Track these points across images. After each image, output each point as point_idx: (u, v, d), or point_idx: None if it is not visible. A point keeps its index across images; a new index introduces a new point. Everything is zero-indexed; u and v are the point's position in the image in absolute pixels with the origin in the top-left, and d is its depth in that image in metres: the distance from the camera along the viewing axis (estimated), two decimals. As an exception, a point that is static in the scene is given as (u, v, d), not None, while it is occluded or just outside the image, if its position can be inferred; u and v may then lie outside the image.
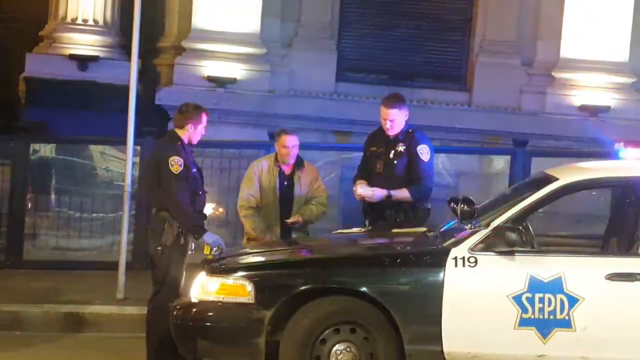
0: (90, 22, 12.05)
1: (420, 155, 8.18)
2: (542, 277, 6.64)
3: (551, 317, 6.61)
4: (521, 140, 10.87)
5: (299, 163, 8.43)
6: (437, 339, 6.64)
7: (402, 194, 8.12)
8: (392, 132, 8.27)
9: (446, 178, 10.75)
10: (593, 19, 11.73)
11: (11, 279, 9.72)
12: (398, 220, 8.12)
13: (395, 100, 8.35)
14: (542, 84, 12.02)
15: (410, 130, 8.31)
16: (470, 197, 7.14)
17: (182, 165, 7.50)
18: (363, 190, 8.15)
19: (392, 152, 8.25)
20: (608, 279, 6.64)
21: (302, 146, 8.57)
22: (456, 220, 7.28)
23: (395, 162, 8.24)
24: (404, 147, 8.22)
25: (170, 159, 7.52)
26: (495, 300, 6.64)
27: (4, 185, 10.53)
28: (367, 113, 11.04)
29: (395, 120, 8.23)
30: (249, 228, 8.37)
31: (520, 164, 10.45)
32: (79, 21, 12.04)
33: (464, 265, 6.69)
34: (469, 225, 6.92)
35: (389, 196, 8.11)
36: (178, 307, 7.10)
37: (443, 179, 10.29)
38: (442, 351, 6.66)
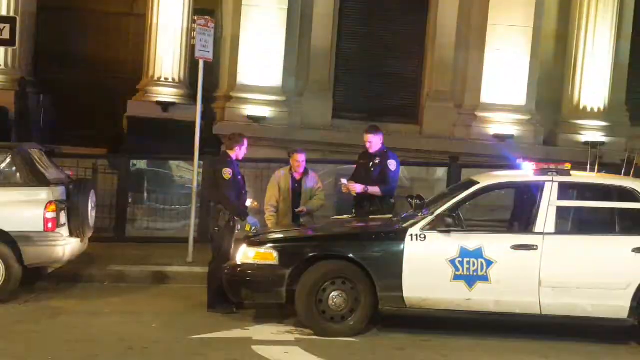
0: (170, 80, 11.99)
1: (389, 166, 8.21)
2: (469, 247, 6.69)
3: (475, 274, 6.65)
4: (454, 157, 10.88)
5: (305, 172, 8.41)
6: (399, 288, 6.69)
7: (374, 189, 8.14)
8: (371, 150, 8.31)
9: (405, 182, 10.70)
10: (502, 75, 11.70)
11: (118, 249, 9.68)
12: (372, 209, 8.11)
13: (371, 129, 8.41)
14: (468, 120, 11.97)
15: (385, 150, 8.33)
16: (421, 195, 7.19)
17: (231, 174, 7.54)
18: (347, 182, 8.23)
19: (371, 163, 8.29)
20: (512, 248, 6.70)
21: (309, 161, 8.54)
22: (412, 210, 7.31)
23: (372, 169, 8.27)
24: (379, 160, 8.25)
25: (223, 169, 7.56)
26: (438, 263, 6.69)
27: (114, 187, 10.47)
28: (353, 139, 11.06)
29: (372, 142, 8.27)
30: (268, 221, 8.39)
31: (454, 173, 10.44)
32: (162, 79, 11.97)
33: (417, 240, 6.74)
34: (420, 213, 6.98)
35: (365, 190, 8.13)
36: (228, 267, 7.16)
37: (403, 183, 10.23)
38: (402, 296, 6.71)
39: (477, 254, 6.66)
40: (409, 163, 10.83)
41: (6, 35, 8.98)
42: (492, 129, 11.77)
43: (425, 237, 6.73)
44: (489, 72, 11.77)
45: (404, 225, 6.89)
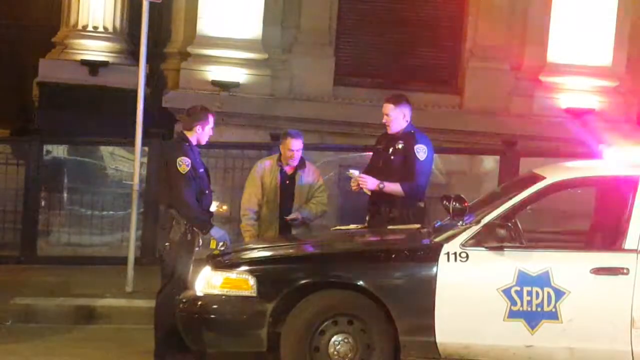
0: (101, 29, 12.03)
1: (417, 154, 8.10)
2: (530, 271, 6.64)
3: (539, 309, 6.61)
4: (510, 141, 10.90)
5: (300, 163, 8.43)
6: (430, 330, 6.64)
7: (394, 187, 8.06)
8: (390, 130, 8.25)
9: (439, 177, 10.71)
10: (578, 25, 11.70)
11: (26, 273, 9.74)
12: (392, 215, 8.07)
13: (393, 97, 8.35)
14: (529, 88, 11.98)
15: (412, 131, 8.28)
16: (462, 195, 7.15)
17: (189, 166, 7.51)
18: (358, 175, 8.11)
19: (391, 149, 8.22)
20: (593, 273, 6.64)
21: (305, 146, 8.55)
22: (448, 217, 7.29)
23: (392, 158, 8.20)
24: (402, 145, 8.18)
25: (178, 159, 7.53)
26: (486, 293, 6.64)
27: (19, 184, 10.53)
28: (363, 115, 11.08)
29: (391, 115, 8.20)
30: (245, 232, 8.42)
31: (509, 163, 10.45)
32: (90, 28, 12.01)
33: (455, 260, 6.69)
34: (460, 222, 6.91)
35: (381, 187, 8.06)
36: (184, 300, 7.11)
37: (436, 178, 10.23)
38: (434, 342, 6.66)
39: (543, 281, 6.63)
40: (445, 150, 10.84)
41: None
42: (563, 100, 11.79)
43: (467, 257, 6.70)
44: (559, 18, 11.79)
45: (438, 239, 6.87)
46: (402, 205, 8.12)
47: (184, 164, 7.51)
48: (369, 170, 8.30)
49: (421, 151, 8.14)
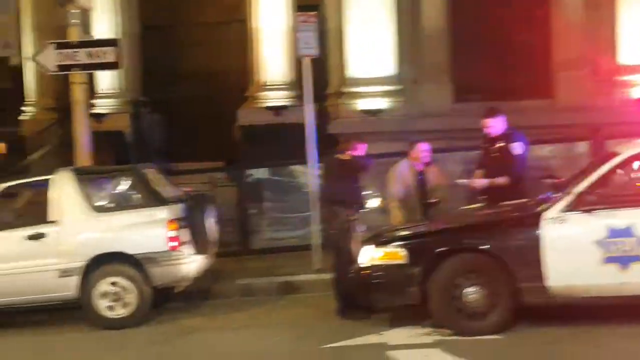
0: (278, 83, 12.29)
1: (514, 149, 7.99)
2: (617, 226, 6.43)
3: (628, 254, 6.39)
4: (595, 128, 10.46)
5: (429, 163, 8.39)
6: (541, 277, 6.51)
7: (500, 180, 7.94)
8: (492, 134, 8.16)
9: (541, 163, 10.38)
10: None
11: (243, 261, 9.97)
12: (502, 196, 7.85)
13: (488, 113, 8.25)
14: (607, 86, 11.51)
15: (509, 132, 8.13)
16: (556, 174, 7.00)
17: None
18: (468, 182, 8.23)
19: (494, 147, 8.12)
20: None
21: (433, 150, 8.50)
22: (548, 192, 7.13)
23: (496, 155, 8.08)
24: (503, 144, 8.06)
25: (340, 155, 7.65)
26: (583, 245, 6.48)
27: (234, 200, 10.79)
28: (477, 123, 10.89)
29: (492, 126, 8.13)
30: (395, 218, 8.38)
31: (597, 146, 10.04)
32: (270, 83, 12.29)
33: (556, 223, 6.55)
34: (557, 194, 6.78)
35: (492, 183, 7.98)
36: (354, 270, 7.18)
37: (539, 163, 9.93)
38: (546, 286, 6.53)
39: (629, 232, 6.40)
40: (544, 141, 10.53)
41: (111, 58, 9.52)
42: (635, 93, 11.26)
43: (565, 220, 6.53)
44: (626, 31, 11.28)
45: (540, 208, 6.72)
46: (508, 188, 7.96)
47: (345, 154, 7.61)
48: (480, 166, 8.23)
49: (517, 148, 8.01)
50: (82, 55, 9.46)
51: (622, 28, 11.33)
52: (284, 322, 7.68)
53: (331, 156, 7.97)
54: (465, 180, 8.18)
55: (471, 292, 6.64)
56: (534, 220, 6.61)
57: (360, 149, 7.83)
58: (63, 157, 10.91)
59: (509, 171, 7.95)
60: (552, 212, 6.59)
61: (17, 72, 17.71)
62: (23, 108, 15.33)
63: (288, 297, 8.68)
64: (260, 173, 11.32)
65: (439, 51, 12.14)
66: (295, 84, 12.35)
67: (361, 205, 7.79)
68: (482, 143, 8.40)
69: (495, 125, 8.13)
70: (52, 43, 9.64)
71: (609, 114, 11.19)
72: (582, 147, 10.72)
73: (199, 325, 7.80)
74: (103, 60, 9.55)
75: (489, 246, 6.65)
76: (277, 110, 12.12)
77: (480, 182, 8.04)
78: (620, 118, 11.01)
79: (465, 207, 8.40)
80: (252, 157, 11.43)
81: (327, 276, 8.41)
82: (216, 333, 7.52)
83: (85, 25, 9.80)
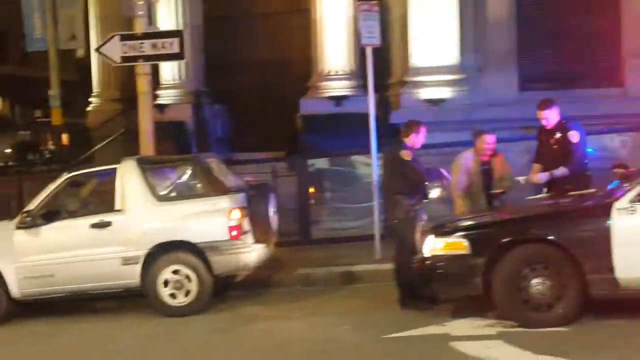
0: (340, 72, 12.38)
1: (571, 138, 7.87)
2: (690, 216, 6.23)
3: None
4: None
5: (495, 153, 8.28)
6: (610, 269, 6.39)
7: (561, 171, 7.86)
8: (548, 126, 8.07)
9: (611, 152, 10.16)
10: None
11: (303, 251, 10.05)
12: (567, 187, 7.74)
13: (542, 104, 8.13)
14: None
15: (563, 121, 8.03)
16: (625, 163, 6.82)
17: (411, 156, 7.54)
18: (528, 178, 8.09)
19: (552, 139, 8.03)
20: None
21: (498, 140, 8.36)
22: (617, 182, 6.97)
23: (554, 146, 8.01)
24: (560, 134, 7.97)
25: (401, 152, 7.62)
26: (655, 236, 6.30)
27: (294, 190, 10.82)
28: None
29: (547, 118, 8.04)
30: (459, 208, 8.30)
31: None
32: (332, 73, 12.38)
33: (627, 214, 6.40)
34: (627, 184, 6.64)
35: (551, 176, 7.89)
36: (416, 261, 7.18)
37: (609, 153, 9.72)
38: (615, 277, 6.40)
39: (701, 222, 6.21)
40: (614, 130, 10.31)
41: (175, 49, 9.64)
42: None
43: (635, 210, 6.37)
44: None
45: (609, 199, 6.58)
46: (572, 178, 7.84)
47: (405, 154, 7.59)
48: (538, 159, 8.16)
49: (574, 136, 7.90)
50: (146, 47, 9.59)
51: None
52: (345, 311, 7.69)
53: (394, 147, 7.90)
54: (523, 178, 8.04)
55: (537, 284, 6.55)
56: (604, 211, 6.48)
57: (422, 132, 7.77)
58: (127, 147, 11.14)
59: (568, 162, 7.86)
60: (623, 202, 6.45)
61: (82, 65, 18.22)
62: (89, 99, 15.70)
63: (348, 287, 8.71)
64: (320, 163, 11.38)
65: (504, 39, 12.07)
66: (357, 74, 12.38)
67: (424, 196, 7.73)
68: (538, 135, 8.30)
69: (551, 116, 8.03)
70: (117, 35, 9.80)
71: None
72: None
73: (259, 314, 7.91)
74: (167, 52, 9.68)
75: (555, 237, 6.55)
76: (338, 100, 12.19)
77: (538, 176, 7.98)
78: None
79: (531, 197, 8.29)
80: (313, 147, 11.53)
81: (388, 266, 8.41)
82: (276, 322, 7.61)
83: (150, 17, 9.94)
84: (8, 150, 26.14)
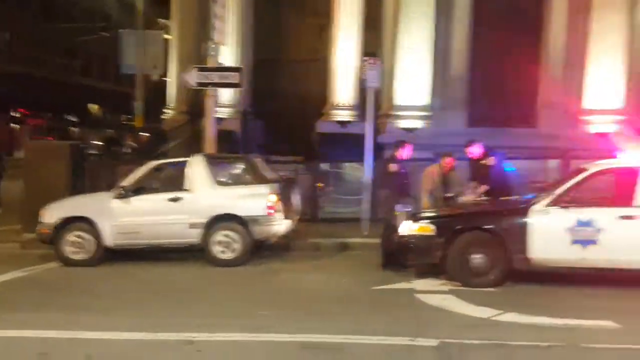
0: (346, 104, 12.40)
1: (488, 163, 7.99)
2: (583, 219, 6.50)
3: (588, 238, 6.45)
4: (565, 151, 10.23)
5: (451, 168, 8.35)
6: (525, 251, 6.60)
7: (483, 188, 7.93)
8: (474, 157, 8.22)
9: (527, 172, 10.13)
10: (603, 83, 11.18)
11: (313, 226, 9.86)
12: (495, 194, 7.84)
13: (467, 144, 8.22)
14: (574, 122, 11.42)
15: (486, 151, 8.13)
16: (540, 181, 7.03)
17: (395, 168, 7.71)
18: (464, 197, 8.06)
19: (478, 164, 8.16)
20: (618, 218, 6.45)
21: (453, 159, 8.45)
22: (534, 192, 7.14)
23: (481, 169, 8.11)
24: (483, 161, 8.16)
25: (389, 165, 7.79)
26: (558, 230, 6.53)
27: (309, 185, 10.72)
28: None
29: (471, 152, 8.20)
30: (425, 205, 8.32)
31: (564, 164, 9.85)
32: (340, 104, 12.43)
33: (541, 214, 6.61)
34: (542, 194, 6.80)
35: (477, 194, 7.98)
36: (397, 237, 7.26)
37: (526, 172, 9.74)
38: (528, 257, 6.62)
39: (590, 223, 6.47)
40: (530, 157, 10.41)
41: (236, 80, 9.86)
42: (593, 128, 11.25)
43: (548, 212, 6.59)
44: (590, 85, 11.25)
45: (528, 204, 6.77)
46: (496, 189, 7.92)
47: (392, 167, 7.74)
48: (473, 178, 8.19)
49: (491, 161, 7.98)
50: (215, 77, 9.72)
51: (588, 83, 11.34)
52: (342, 270, 7.73)
53: (386, 160, 8.02)
54: (462, 197, 8.08)
55: (477, 258, 6.75)
56: (525, 211, 6.69)
57: (408, 148, 7.90)
58: (191, 147, 11.19)
59: (487, 180, 7.94)
60: (539, 206, 6.66)
61: (153, 86, 18.34)
62: (164, 110, 15.82)
63: (344, 253, 8.71)
64: (327, 166, 11.27)
65: (459, 89, 12.12)
66: (357, 106, 12.38)
67: (406, 193, 7.86)
68: (470, 161, 8.35)
69: (474, 150, 8.14)
70: (195, 67, 9.93)
71: (575, 142, 11.13)
72: (554, 163, 10.69)
73: (283, 268, 7.90)
74: (230, 81, 9.79)
75: (492, 227, 6.73)
76: (343, 123, 12.20)
77: (468, 197, 7.94)
78: (582, 145, 10.99)
79: (475, 199, 8.51)
80: (324, 156, 11.47)
81: (373, 240, 8.46)
82: (294, 274, 7.62)
83: (217, 55, 10.16)
84: (99, 143, 26.25)
